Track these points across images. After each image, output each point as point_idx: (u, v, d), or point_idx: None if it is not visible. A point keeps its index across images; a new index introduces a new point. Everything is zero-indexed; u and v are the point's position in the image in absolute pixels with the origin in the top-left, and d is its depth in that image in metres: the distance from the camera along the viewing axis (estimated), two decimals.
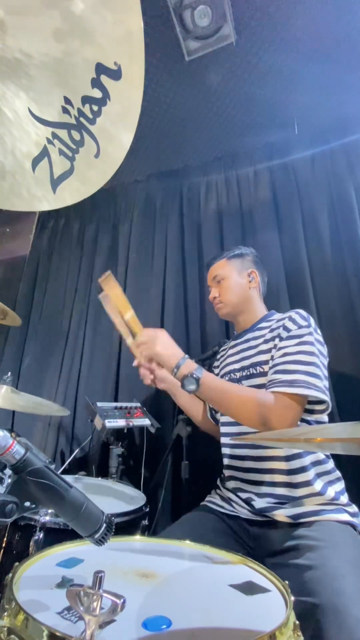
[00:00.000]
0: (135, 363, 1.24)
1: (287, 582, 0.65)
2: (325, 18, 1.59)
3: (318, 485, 1.05)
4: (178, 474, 1.73)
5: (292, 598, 0.60)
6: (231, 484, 1.16)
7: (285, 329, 1.15)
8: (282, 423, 1.00)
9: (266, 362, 1.16)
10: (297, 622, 0.56)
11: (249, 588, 0.66)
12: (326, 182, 2.00)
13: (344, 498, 1.07)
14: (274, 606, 0.60)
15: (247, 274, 1.38)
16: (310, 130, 2.06)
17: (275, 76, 1.84)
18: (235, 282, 1.35)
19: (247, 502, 1.09)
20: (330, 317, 1.79)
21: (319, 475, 1.08)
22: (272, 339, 1.18)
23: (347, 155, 1.97)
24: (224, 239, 2.18)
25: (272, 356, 1.14)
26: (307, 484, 1.05)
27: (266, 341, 1.20)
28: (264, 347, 1.20)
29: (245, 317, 1.36)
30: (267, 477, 1.10)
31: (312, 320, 1.16)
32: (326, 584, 0.77)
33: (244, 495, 1.10)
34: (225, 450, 1.26)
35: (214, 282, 1.40)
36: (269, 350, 1.17)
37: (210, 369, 1.54)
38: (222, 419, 1.31)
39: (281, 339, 1.14)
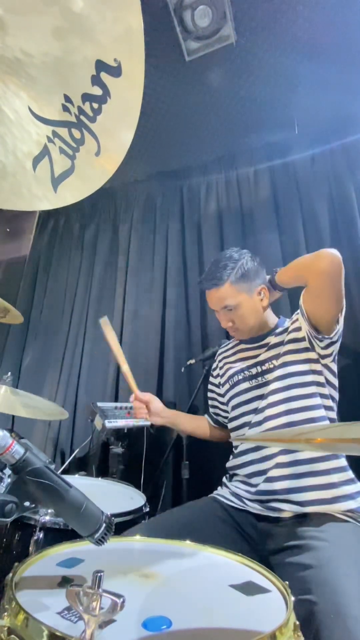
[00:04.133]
0: (131, 398, 1.32)
1: (287, 582, 0.65)
2: (325, 18, 1.59)
3: (331, 479, 1.06)
4: (178, 474, 1.73)
5: (293, 598, 0.60)
6: (246, 469, 1.16)
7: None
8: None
9: (289, 363, 1.20)
10: (297, 623, 0.56)
11: (249, 588, 0.66)
12: (326, 182, 2.00)
13: (353, 487, 1.08)
14: (274, 606, 0.60)
15: (257, 293, 1.26)
16: (310, 130, 2.06)
17: (275, 76, 1.84)
18: (250, 307, 1.24)
19: (258, 497, 1.09)
20: None
21: (333, 470, 1.08)
22: (300, 339, 1.22)
23: (347, 155, 1.97)
24: (224, 239, 2.18)
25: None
26: (321, 479, 1.06)
27: (293, 352, 1.21)
28: (290, 346, 1.22)
29: (258, 329, 1.31)
30: (278, 472, 1.10)
31: None
32: (328, 583, 0.77)
33: (254, 490, 1.11)
34: (235, 450, 1.26)
35: (223, 313, 1.27)
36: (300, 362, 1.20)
37: (209, 370, 1.54)
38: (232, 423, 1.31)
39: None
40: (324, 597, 0.74)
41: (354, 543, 0.93)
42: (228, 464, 1.27)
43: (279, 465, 1.10)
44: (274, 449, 1.12)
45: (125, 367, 1.28)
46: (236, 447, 1.25)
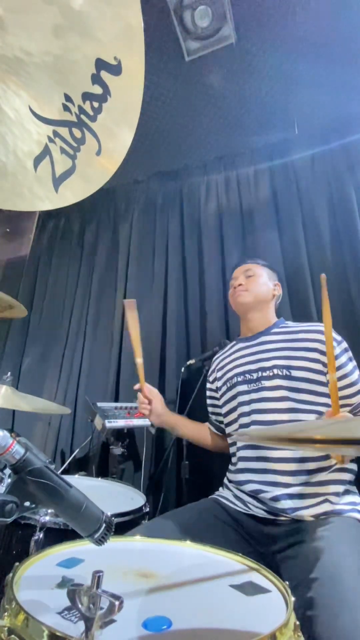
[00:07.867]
0: (136, 387, 1.34)
1: (287, 582, 0.65)
2: (325, 18, 1.59)
3: (336, 486, 1.06)
4: (178, 474, 1.73)
5: (293, 598, 0.60)
6: (248, 486, 1.14)
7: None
8: None
9: (294, 368, 1.19)
10: (298, 623, 0.56)
11: (249, 588, 0.66)
12: (326, 182, 2.00)
13: (356, 497, 1.08)
14: (274, 607, 0.60)
15: (274, 283, 1.46)
16: (310, 130, 2.06)
17: (275, 76, 1.84)
18: (264, 282, 1.42)
19: (265, 502, 1.08)
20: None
21: (336, 473, 1.08)
22: (310, 349, 1.20)
23: (347, 155, 1.97)
24: (224, 239, 2.17)
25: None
26: (326, 483, 1.06)
27: (295, 349, 1.22)
28: (295, 354, 1.21)
29: (258, 317, 1.38)
30: (285, 478, 1.09)
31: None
32: (331, 581, 0.77)
33: (260, 496, 1.09)
34: (240, 453, 1.23)
35: (243, 275, 1.43)
36: (306, 359, 1.19)
37: (206, 373, 1.54)
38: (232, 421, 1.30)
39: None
40: (327, 596, 0.74)
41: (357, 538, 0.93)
42: (229, 476, 1.25)
43: (282, 486, 1.08)
44: (276, 468, 1.11)
45: (139, 361, 1.31)
46: (234, 460, 1.24)
